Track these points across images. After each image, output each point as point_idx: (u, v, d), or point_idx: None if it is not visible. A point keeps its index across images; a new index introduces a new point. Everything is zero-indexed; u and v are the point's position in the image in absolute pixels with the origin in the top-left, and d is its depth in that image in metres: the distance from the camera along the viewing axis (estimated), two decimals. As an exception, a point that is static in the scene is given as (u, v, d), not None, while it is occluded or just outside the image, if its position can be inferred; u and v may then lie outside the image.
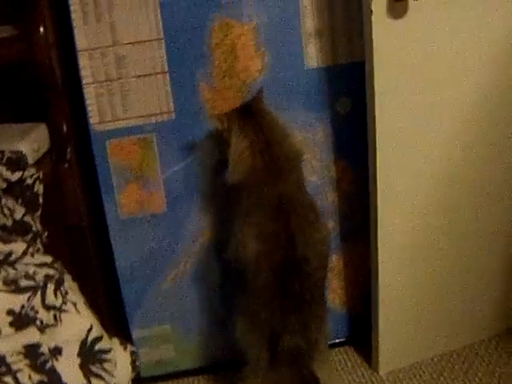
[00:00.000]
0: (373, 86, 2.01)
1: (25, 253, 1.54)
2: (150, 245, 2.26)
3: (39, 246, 1.61)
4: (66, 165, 1.97)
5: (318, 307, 1.94)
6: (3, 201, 1.76)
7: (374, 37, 1.95)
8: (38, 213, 1.86)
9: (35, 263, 1.50)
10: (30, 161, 1.90)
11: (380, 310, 2.25)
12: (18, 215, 1.78)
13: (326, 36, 2.17)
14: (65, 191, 1.97)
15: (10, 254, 1.51)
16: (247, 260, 1.90)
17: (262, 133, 1.91)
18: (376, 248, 2.20)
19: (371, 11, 1.92)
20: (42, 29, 1.85)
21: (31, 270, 1.47)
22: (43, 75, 1.90)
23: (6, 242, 1.55)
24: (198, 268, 2.31)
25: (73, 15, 2.02)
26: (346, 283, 2.42)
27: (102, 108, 2.10)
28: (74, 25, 2.03)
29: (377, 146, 2.06)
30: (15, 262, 1.50)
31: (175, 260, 2.29)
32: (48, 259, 1.54)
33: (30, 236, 1.80)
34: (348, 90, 2.23)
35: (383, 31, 1.95)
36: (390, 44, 1.97)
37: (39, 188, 1.88)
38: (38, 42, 1.86)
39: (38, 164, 1.92)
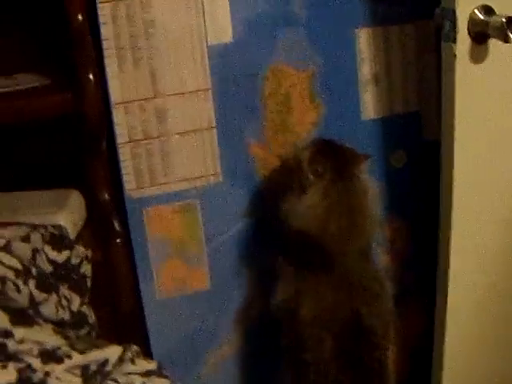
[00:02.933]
0: (452, 137, 1.76)
1: (121, 359, 1.21)
2: (190, 326, 1.96)
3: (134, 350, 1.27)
4: (119, 240, 1.63)
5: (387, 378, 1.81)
6: (61, 290, 1.42)
7: (456, 83, 1.74)
8: (87, 299, 1.53)
9: (139, 372, 1.19)
10: (71, 236, 1.56)
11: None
12: (75, 305, 1.46)
13: (383, 83, 1.94)
14: (116, 272, 1.63)
15: (105, 362, 1.19)
16: (302, 322, 1.73)
17: (346, 198, 1.72)
18: (443, 315, 1.96)
19: (455, 55, 1.71)
20: (91, 76, 1.52)
21: (138, 381, 1.16)
22: (90, 132, 1.56)
23: (99, 346, 1.23)
24: (242, 351, 2.01)
25: (107, 60, 1.72)
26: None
27: (138, 171, 1.81)
28: (109, 72, 1.72)
29: (453, 202, 1.81)
30: (112, 372, 1.18)
31: (219, 342, 2.00)
32: (153, 365, 1.22)
33: (86, 329, 1.47)
34: (403, 142, 2.03)
35: (466, 77, 1.74)
36: (472, 91, 1.76)
37: (87, 269, 1.55)
38: (87, 93, 1.52)
39: (78, 239, 1.58)
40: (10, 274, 1.31)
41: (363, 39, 1.91)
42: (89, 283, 1.55)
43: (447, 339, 1.98)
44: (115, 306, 1.66)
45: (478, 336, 2.02)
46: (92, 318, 1.51)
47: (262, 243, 1.94)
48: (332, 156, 1.73)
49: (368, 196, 1.74)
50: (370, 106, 1.96)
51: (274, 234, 1.84)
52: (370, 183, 1.75)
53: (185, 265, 1.90)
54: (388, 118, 1.99)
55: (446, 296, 1.92)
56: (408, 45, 1.96)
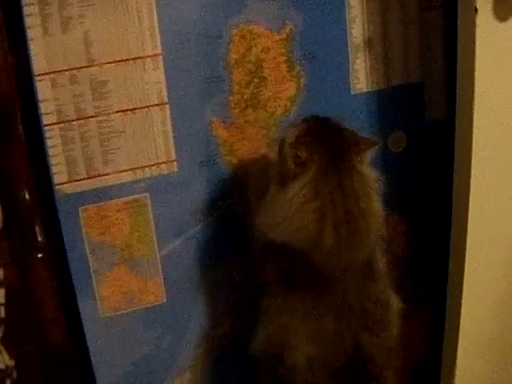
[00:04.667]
0: (470, 114, 1.41)
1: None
2: (144, 350, 1.60)
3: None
4: (40, 254, 1.25)
5: None
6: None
7: (477, 42, 1.40)
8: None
9: None
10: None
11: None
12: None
13: (378, 48, 1.58)
14: (36, 295, 1.24)
15: None
16: (294, 368, 1.37)
17: (342, 198, 1.32)
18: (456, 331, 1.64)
19: (476, 9, 1.38)
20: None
21: None
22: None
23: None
24: (208, 379, 1.67)
25: (27, 19, 1.35)
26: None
27: (71, 160, 1.45)
28: (30, 34, 1.36)
29: (470, 196, 1.48)
30: None
31: (178, 367, 1.64)
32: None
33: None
34: (404, 121, 1.68)
35: (488, 35, 1.40)
36: (494, 52, 1.43)
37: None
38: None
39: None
40: None
41: (354, -9, 1.53)
42: (2, 313, 1.17)
43: (460, 350, 1.67)
44: (41, 341, 1.28)
45: (494, 342, 1.72)
46: (7, 361, 1.13)
47: (227, 247, 1.60)
48: (325, 138, 1.34)
49: (371, 194, 1.36)
50: (361, 76, 1.61)
51: (242, 236, 1.52)
52: (373, 177, 1.37)
53: (133, 274, 1.56)
54: (384, 92, 1.64)
55: (459, 302, 1.62)
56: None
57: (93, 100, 1.42)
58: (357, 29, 1.57)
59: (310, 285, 1.35)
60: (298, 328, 1.37)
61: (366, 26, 1.57)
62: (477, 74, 1.41)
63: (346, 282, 1.36)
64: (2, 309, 1.19)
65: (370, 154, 1.37)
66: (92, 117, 1.43)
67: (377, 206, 1.35)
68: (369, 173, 1.35)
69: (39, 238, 1.33)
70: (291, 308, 1.37)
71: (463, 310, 1.60)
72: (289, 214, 1.31)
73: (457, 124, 1.48)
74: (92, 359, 1.56)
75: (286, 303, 1.38)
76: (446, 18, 1.63)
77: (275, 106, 1.54)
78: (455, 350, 1.66)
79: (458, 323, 1.62)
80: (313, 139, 1.33)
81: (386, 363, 1.45)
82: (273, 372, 1.40)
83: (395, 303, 1.45)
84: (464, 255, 1.53)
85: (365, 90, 1.61)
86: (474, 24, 1.38)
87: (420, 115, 1.67)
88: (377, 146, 1.37)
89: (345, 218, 1.30)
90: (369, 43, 1.59)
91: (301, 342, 1.37)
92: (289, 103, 1.55)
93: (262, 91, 1.53)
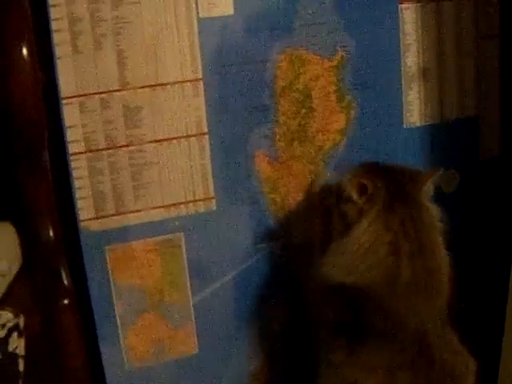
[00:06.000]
0: None
1: None
2: (172, 407, 1.42)
3: None
4: (66, 301, 1.09)
5: None
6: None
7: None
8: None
9: None
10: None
11: None
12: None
13: (432, 79, 1.45)
14: (60, 344, 1.08)
15: None
16: None
17: (414, 230, 1.19)
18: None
19: None
20: (25, 49, 1.00)
21: None
22: (23, 136, 1.03)
23: None
24: None
25: (55, 36, 1.22)
26: None
27: (99, 194, 1.31)
28: (57, 52, 1.23)
29: None
30: None
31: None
32: None
33: None
34: (457, 158, 1.53)
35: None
36: None
37: (18, 345, 1.02)
38: (17, 74, 0.99)
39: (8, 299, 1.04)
40: None
41: (409, 18, 1.43)
42: (21, 366, 1.01)
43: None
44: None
45: None
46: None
47: (268, 294, 1.45)
48: (385, 172, 1.24)
49: (439, 230, 1.23)
50: (415, 108, 1.48)
51: (284, 282, 1.38)
52: (437, 214, 1.24)
53: (164, 322, 1.40)
54: (439, 126, 1.51)
55: None
56: (465, 27, 1.45)
57: (125, 128, 1.29)
58: (411, 58, 1.44)
59: (381, 332, 1.20)
60: (365, 383, 1.21)
61: (420, 54, 1.44)
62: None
63: (424, 327, 1.20)
64: (22, 361, 1.03)
65: (431, 188, 1.26)
66: (123, 146, 1.30)
67: (444, 246, 1.22)
68: (433, 208, 1.24)
69: (65, 282, 1.17)
70: (357, 359, 1.22)
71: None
72: (360, 252, 1.18)
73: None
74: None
75: (350, 354, 1.23)
76: (502, 47, 1.50)
77: (323, 140, 1.41)
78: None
79: None
80: (373, 174, 1.23)
81: None
82: None
83: (470, 359, 1.29)
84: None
85: (418, 124, 1.46)
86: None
87: (474, 152, 1.53)
88: (440, 172, 1.28)
89: (420, 251, 1.18)
90: (423, 73, 1.44)
91: None
92: (338, 136, 1.41)
93: (309, 123, 1.39)
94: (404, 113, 1.46)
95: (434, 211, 1.24)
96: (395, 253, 1.17)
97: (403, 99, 1.46)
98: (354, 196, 1.19)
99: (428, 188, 1.24)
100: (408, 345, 1.21)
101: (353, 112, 1.42)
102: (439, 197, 1.49)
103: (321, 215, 1.29)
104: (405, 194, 1.21)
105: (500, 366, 1.52)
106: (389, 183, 1.20)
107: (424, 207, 1.23)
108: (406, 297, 1.18)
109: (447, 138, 1.52)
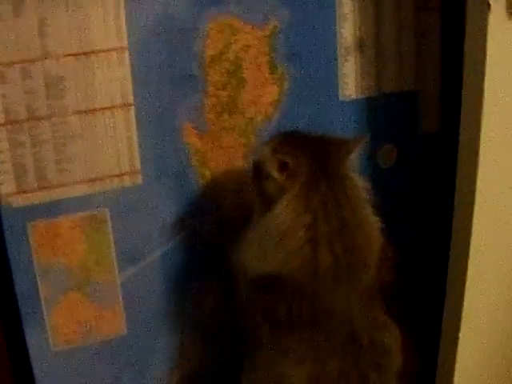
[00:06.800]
0: (476, 126, 1.26)
1: None
2: (100, 389, 1.37)
3: None
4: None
5: None
6: None
7: (488, 42, 1.24)
8: None
9: None
10: None
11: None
12: None
13: (369, 50, 1.42)
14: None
15: None
16: None
17: (336, 208, 1.15)
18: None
19: (488, 5, 1.21)
20: None
21: None
22: None
23: None
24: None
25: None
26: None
27: (20, 168, 1.25)
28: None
29: (474, 214, 1.31)
30: None
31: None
32: None
33: None
34: (394, 133, 1.51)
35: (501, 35, 1.24)
36: (507, 53, 1.26)
37: None
38: None
39: None
40: None
41: (345, -13, 1.37)
42: None
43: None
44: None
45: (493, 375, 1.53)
46: None
47: (198, 272, 1.41)
48: (307, 143, 1.19)
49: (366, 202, 1.20)
50: (351, 81, 1.44)
51: (215, 260, 1.36)
52: (362, 182, 1.22)
53: (90, 302, 1.36)
54: (376, 99, 1.48)
55: (456, 334, 1.43)
56: (403, -1, 1.41)
57: (47, 99, 1.23)
58: (347, 28, 1.40)
59: (308, 321, 1.16)
60: (293, 374, 1.18)
61: (357, 25, 1.40)
62: (487, 78, 1.24)
63: (351, 309, 1.17)
64: None
65: (356, 158, 1.22)
66: (45, 118, 1.24)
67: (373, 215, 1.18)
68: (359, 179, 1.21)
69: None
70: (284, 351, 1.19)
71: (460, 341, 1.42)
72: (277, 239, 1.14)
73: (461, 136, 1.31)
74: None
75: (277, 345, 1.19)
76: (443, 21, 1.47)
77: (255, 112, 1.37)
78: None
79: (455, 356, 1.44)
80: (294, 146, 1.18)
81: None
82: None
83: (395, 328, 1.26)
84: (465, 279, 1.35)
85: (354, 96, 1.42)
86: (485, 22, 1.21)
87: (413, 127, 1.51)
88: (365, 140, 1.24)
89: (342, 229, 1.14)
90: (360, 45, 1.41)
91: None
92: (270, 109, 1.37)
93: (240, 94, 1.35)
94: (340, 85, 1.43)
95: (360, 182, 1.20)
96: (313, 238, 1.13)
97: (339, 71, 1.42)
98: (275, 173, 1.14)
99: (353, 158, 1.19)
100: (335, 331, 1.18)
101: (286, 84, 1.38)
102: (376, 172, 1.47)
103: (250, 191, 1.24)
104: (328, 167, 1.16)
105: (440, 339, 1.50)
106: (311, 155, 1.16)
107: (348, 179, 1.19)
108: (329, 281, 1.15)
109: (385, 112, 1.49)
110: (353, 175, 1.19)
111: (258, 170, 1.18)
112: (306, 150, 1.16)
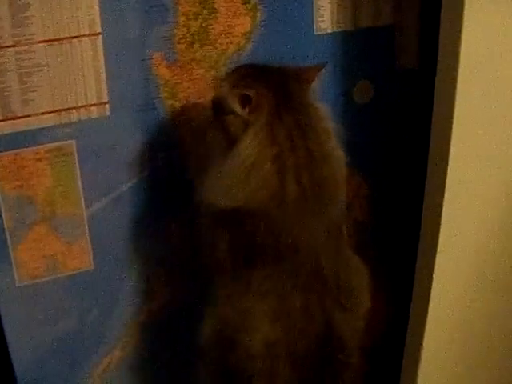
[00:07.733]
0: (456, 56, 1.25)
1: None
2: (67, 324, 1.39)
3: None
4: None
5: None
6: None
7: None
8: None
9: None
10: None
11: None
12: None
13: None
14: None
15: None
16: (249, 355, 1.19)
17: (302, 139, 1.14)
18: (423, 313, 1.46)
19: None
20: None
21: None
22: None
23: None
24: (142, 354, 1.47)
25: None
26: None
27: (-17, 98, 1.20)
28: None
29: (450, 155, 1.31)
30: None
31: (106, 344, 1.44)
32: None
33: None
34: (371, 69, 1.49)
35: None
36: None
37: None
38: None
39: None
40: None
41: None
42: None
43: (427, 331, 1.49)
44: None
45: (463, 322, 1.55)
46: None
47: (165, 207, 1.40)
48: (267, 76, 1.17)
49: (331, 134, 1.18)
50: (326, 13, 1.41)
51: (183, 194, 1.31)
52: (325, 111, 1.19)
53: (56, 236, 1.34)
54: (351, 34, 1.45)
55: (429, 276, 1.44)
56: None
57: (12, 26, 1.19)
58: (322, -44, 1.35)
59: (272, 256, 1.15)
60: (257, 308, 1.18)
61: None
62: (466, 13, 1.21)
63: (317, 245, 1.15)
64: None
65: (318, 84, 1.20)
66: (10, 46, 1.20)
67: (339, 149, 1.17)
68: (322, 108, 1.19)
69: None
70: (248, 286, 1.18)
71: (434, 285, 1.42)
72: (243, 172, 1.13)
73: (438, 74, 1.28)
74: (6, 335, 1.36)
75: (241, 280, 1.19)
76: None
77: (226, 43, 1.35)
78: (421, 334, 1.48)
79: (427, 303, 1.43)
80: (254, 79, 1.16)
81: (355, 347, 1.28)
82: (222, 361, 1.22)
83: (366, 270, 1.25)
84: (439, 222, 1.34)
85: (329, 30, 1.39)
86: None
87: (390, 63, 1.49)
88: (324, 69, 1.21)
89: (308, 160, 1.13)
90: (336, -25, 1.37)
91: (259, 325, 1.19)
92: (242, 40, 1.35)
93: (211, 25, 1.32)
94: (315, 18, 1.40)
95: (324, 111, 1.18)
96: (280, 170, 1.12)
97: (314, 3, 1.39)
98: (237, 108, 1.12)
99: (315, 85, 1.17)
100: (300, 267, 1.17)
101: (259, 15, 1.35)
102: (352, 108, 1.44)
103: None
104: (291, 97, 1.15)
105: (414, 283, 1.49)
106: (272, 86, 1.14)
107: (312, 108, 1.17)
108: (295, 214, 1.14)
109: (361, 46, 1.47)
110: (317, 105, 1.18)
111: (219, 106, 1.14)
112: (266, 82, 1.14)
